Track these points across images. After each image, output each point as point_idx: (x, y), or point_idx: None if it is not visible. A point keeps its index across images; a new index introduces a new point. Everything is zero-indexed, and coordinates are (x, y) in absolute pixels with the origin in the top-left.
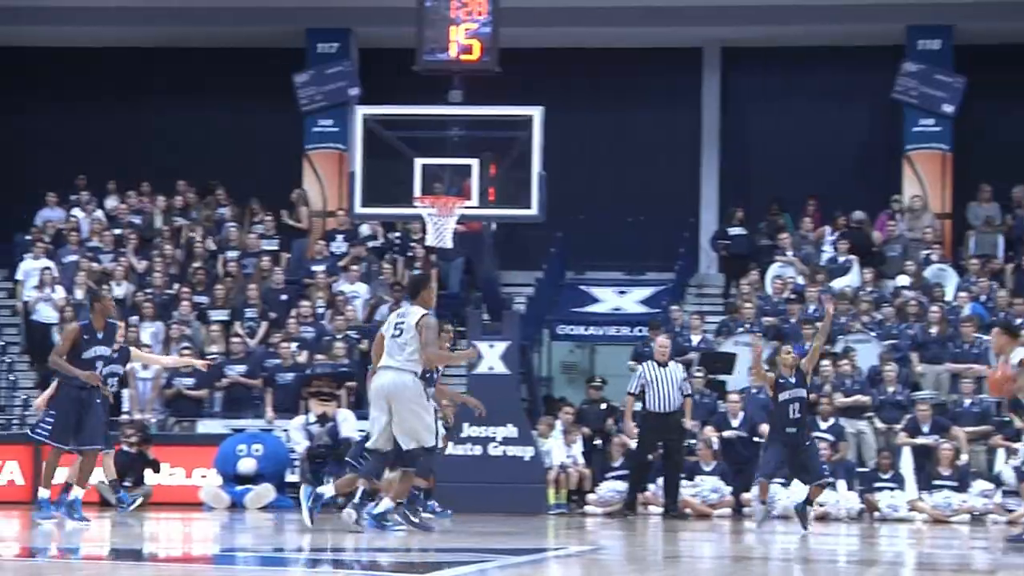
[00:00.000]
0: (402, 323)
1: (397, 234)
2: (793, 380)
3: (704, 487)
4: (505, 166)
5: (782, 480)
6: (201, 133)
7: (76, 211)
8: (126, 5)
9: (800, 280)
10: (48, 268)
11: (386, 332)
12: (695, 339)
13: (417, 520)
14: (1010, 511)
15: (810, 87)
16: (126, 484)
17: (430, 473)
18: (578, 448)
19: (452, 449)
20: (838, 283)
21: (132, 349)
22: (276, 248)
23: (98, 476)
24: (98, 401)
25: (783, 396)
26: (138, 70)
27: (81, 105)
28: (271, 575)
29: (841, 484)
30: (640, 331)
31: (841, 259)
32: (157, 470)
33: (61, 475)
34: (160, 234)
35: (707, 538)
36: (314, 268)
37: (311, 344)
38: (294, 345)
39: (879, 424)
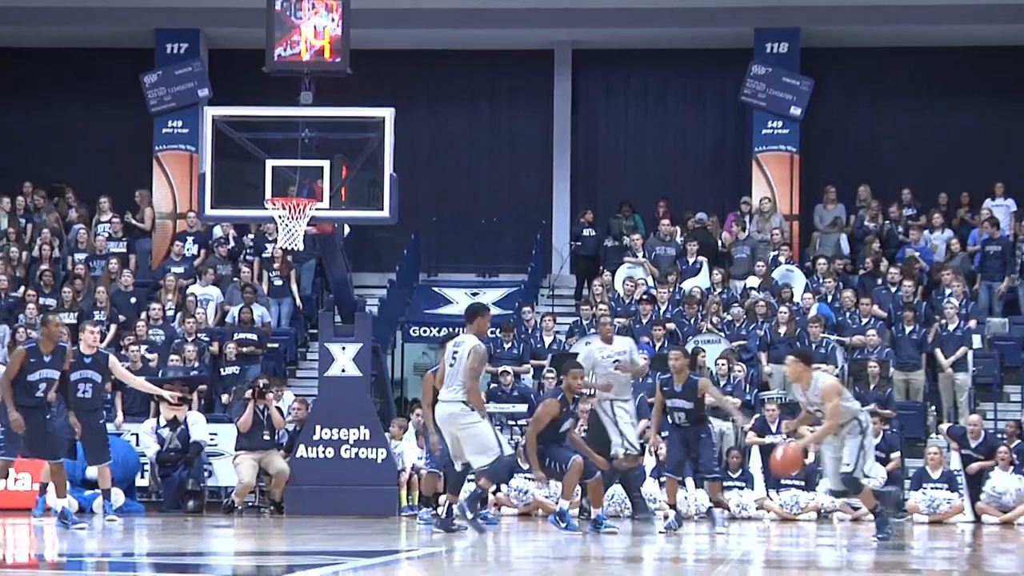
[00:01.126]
0: (457, 351)
1: (251, 236)
2: (679, 389)
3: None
4: (356, 168)
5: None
6: (49, 134)
7: None
8: None
9: (650, 281)
10: None
11: (445, 361)
12: (547, 340)
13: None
14: (855, 508)
15: (661, 89)
16: None
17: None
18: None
19: (304, 452)
20: (688, 284)
21: (111, 358)
22: (124, 250)
23: None
24: (47, 417)
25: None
26: None
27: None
28: None
29: (690, 482)
30: (493, 332)
31: (691, 260)
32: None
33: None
34: (6, 236)
35: (559, 538)
36: (173, 270)
37: (161, 347)
38: (143, 348)
39: (724, 425)
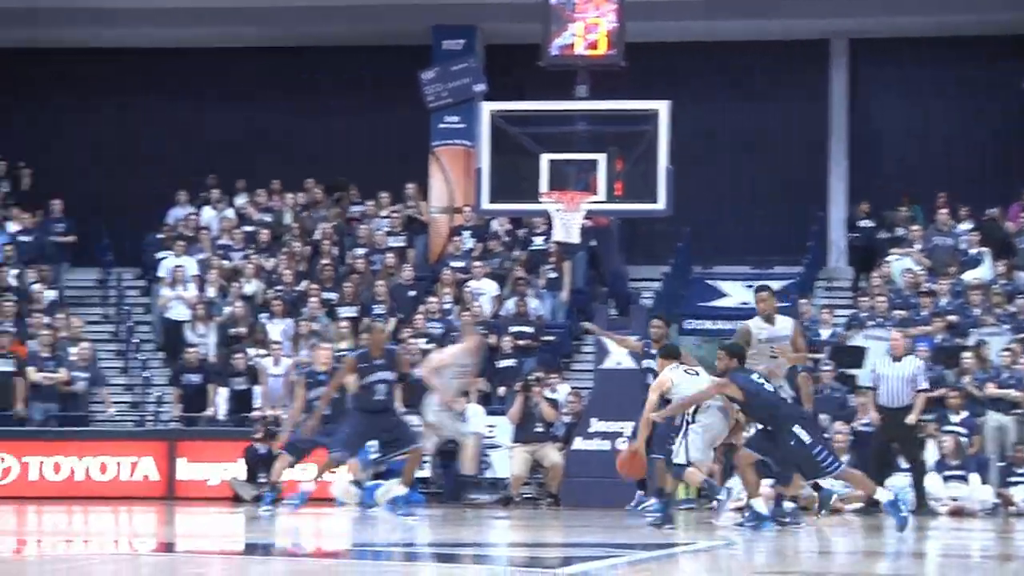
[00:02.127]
0: None
1: (523, 230)
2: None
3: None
4: (631, 161)
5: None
6: (329, 131)
7: (206, 209)
8: (254, 6)
9: (930, 273)
10: (180, 266)
11: None
12: (824, 333)
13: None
14: None
15: (939, 78)
16: (261, 481)
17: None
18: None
19: (581, 444)
20: (969, 275)
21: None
22: (403, 245)
23: (232, 471)
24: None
25: None
26: (267, 70)
27: (211, 105)
28: (403, 570)
29: (975, 478)
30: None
31: (972, 251)
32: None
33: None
34: (289, 231)
35: (840, 533)
36: (452, 264)
37: (439, 340)
38: (422, 340)
39: (1005, 419)
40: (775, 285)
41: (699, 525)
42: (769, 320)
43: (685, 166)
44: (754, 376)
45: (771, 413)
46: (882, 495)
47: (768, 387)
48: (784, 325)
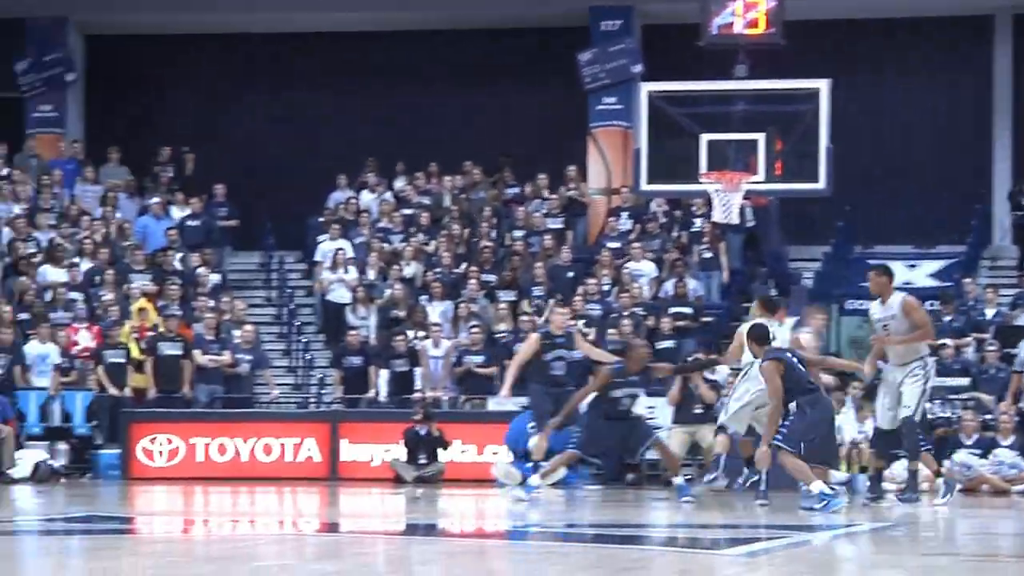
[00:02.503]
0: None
1: (681, 210)
2: None
3: (1004, 461)
4: (791, 140)
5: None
6: (486, 113)
7: (365, 193)
8: None
9: None
10: (341, 249)
11: None
12: (989, 313)
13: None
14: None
15: None
16: (421, 462)
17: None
18: (870, 424)
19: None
20: None
21: (576, 335)
22: (561, 226)
23: (394, 453)
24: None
25: None
26: (426, 53)
27: (370, 89)
28: (563, 550)
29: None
30: (932, 305)
31: None
32: (446, 447)
33: None
34: (448, 213)
35: (1005, 514)
36: (609, 245)
37: (598, 321)
38: (581, 322)
39: None
40: (936, 265)
41: (861, 508)
42: (883, 300)
43: (845, 145)
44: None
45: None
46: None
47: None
48: (893, 302)
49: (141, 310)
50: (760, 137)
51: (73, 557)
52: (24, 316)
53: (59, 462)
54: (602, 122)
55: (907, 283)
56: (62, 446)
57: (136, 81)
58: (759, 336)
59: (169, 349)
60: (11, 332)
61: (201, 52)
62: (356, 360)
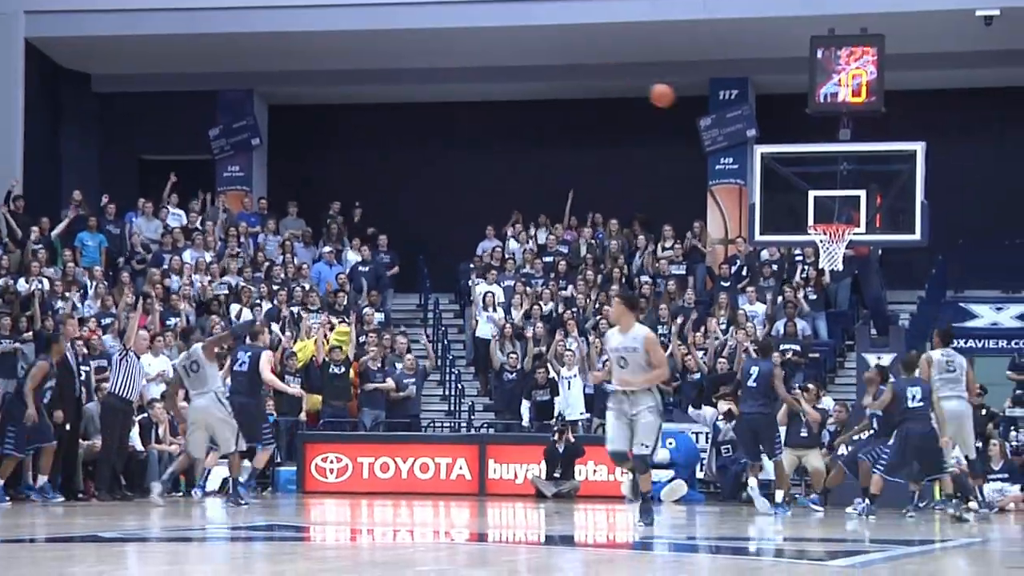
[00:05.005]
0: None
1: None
2: None
3: None
4: (890, 196)
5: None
6: (619, 172)
7: (511, 242)
8: (556, 63)
9: None
10: (490, 292)
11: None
12: None
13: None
14: None
15: None
16: (557, 476)
17: None
18: (958, 451)
19: (844, 450)
20: None
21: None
22: (683, 272)
23: (535, 471)
24: None
25: None
26: (562, 120)
27: (515, 150)
28: (687, 560)
29: None
30: (1016, 344)
31: None
32: (582, 455)
33: None
34: (583, 261)
35: None
36: (722, 284)
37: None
38: (700, 354)
39: None
40: (1023, 308)
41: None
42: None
43: (938, 200)
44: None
45: None
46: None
47: None
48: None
49: (316, 342)
50: (862, 193)
51: (256, 561)
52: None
53: (243, 478)
54: (721, 180)
55: (994, 324)
56: (246, 464)
57: (312, 144)
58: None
59: (338, 379)
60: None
61: (367, 118)
62: (502, 389)
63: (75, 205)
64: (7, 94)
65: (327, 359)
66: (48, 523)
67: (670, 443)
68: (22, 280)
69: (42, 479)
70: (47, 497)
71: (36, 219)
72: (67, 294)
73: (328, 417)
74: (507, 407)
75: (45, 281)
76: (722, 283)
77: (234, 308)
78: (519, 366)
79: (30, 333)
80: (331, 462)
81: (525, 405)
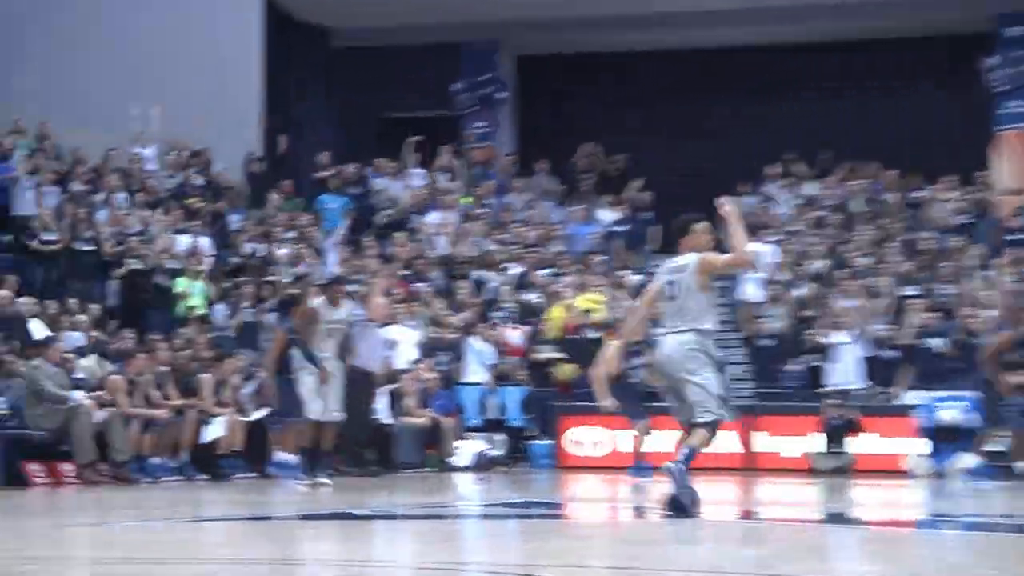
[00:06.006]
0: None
1: None
2: None
3: None
4: None
5: None
6: (895, 118)
7: (778, 195)
8: (826, 3)
9: None
10: (754, 250)
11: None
12: None
13: None
14: None
15: None
16: (834, 451)
17: None
18: None
19: None
20: None
21: None
22: (970, 223)
23: (808, 444)
24: None
25: None
26: (835, 63)
27: (770, 99)
28: (969, 539)
29: None
30: None
31: None
32: (859, 431)
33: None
34: (857, 214)
35: None
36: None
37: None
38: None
39: None
40: None
41: None
42: None
43: None
44: None
45: None
46: None
47: None
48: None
49: (570, 306)
50: None
51: (509, 538)
52: (464, 316)
53: (497, 452)
54: (1008, 125)
55: None
56: (499, 437)
57: (563, 96)
58: None
59: (595, 345)
60: (454, 332)
61: (624, 68)
62: (769, 356)
63: (322, 167)
64: (246, 53)
65: (583, 324)
66: (285, 501)
67: (964, 406)
68: (262, 246)
69: (284, 455)
70: (294, 475)
71: (276, 182)
72: (309, 260)
73: (585, 387)
74: (766, 375)
75: (286, 247)
76: (1009, 236)
77: (481, 273)
78: (781, 330)
79: (274, 301)
80: (586, 435)
81: (791, 372)
